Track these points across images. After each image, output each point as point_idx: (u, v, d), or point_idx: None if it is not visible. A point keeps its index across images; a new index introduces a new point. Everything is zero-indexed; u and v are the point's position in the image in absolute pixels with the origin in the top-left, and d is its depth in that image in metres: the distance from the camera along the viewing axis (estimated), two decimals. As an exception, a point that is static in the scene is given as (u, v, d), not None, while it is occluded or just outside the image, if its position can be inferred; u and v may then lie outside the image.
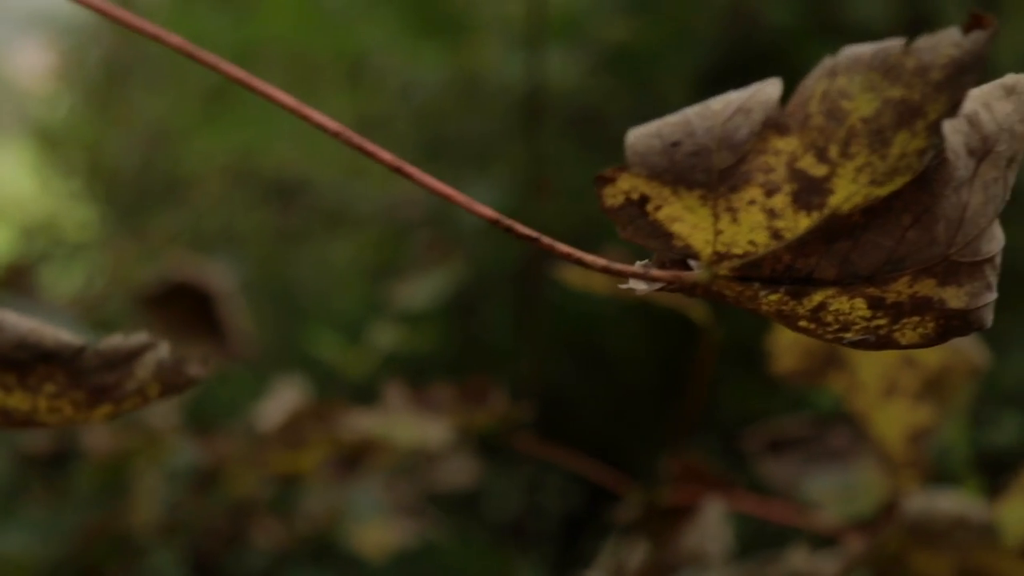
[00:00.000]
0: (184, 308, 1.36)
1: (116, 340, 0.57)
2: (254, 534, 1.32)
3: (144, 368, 0.58)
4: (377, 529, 1.31)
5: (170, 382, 0.58)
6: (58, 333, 0.56)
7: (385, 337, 1.37)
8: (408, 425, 0.85)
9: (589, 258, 0.47)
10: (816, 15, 2.70)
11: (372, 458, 1.38)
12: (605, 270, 0.49)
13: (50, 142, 4.42)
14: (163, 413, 1.48)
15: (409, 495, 1.36)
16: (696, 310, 0.82)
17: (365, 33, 3.20)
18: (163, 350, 0.58)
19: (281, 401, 1.30)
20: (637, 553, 0.90)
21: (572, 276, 0.86)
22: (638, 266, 0.50)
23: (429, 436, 0.84)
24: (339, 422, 0.85)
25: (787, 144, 0.48)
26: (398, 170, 0.45)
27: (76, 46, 4.51)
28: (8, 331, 0.56)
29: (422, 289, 1.39)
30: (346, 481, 1.42)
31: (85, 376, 0.57)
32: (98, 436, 1.26)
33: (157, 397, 0.59)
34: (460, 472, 1.34)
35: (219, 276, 1.38)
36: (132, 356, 0.57)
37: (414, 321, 1.52)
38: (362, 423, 0.84)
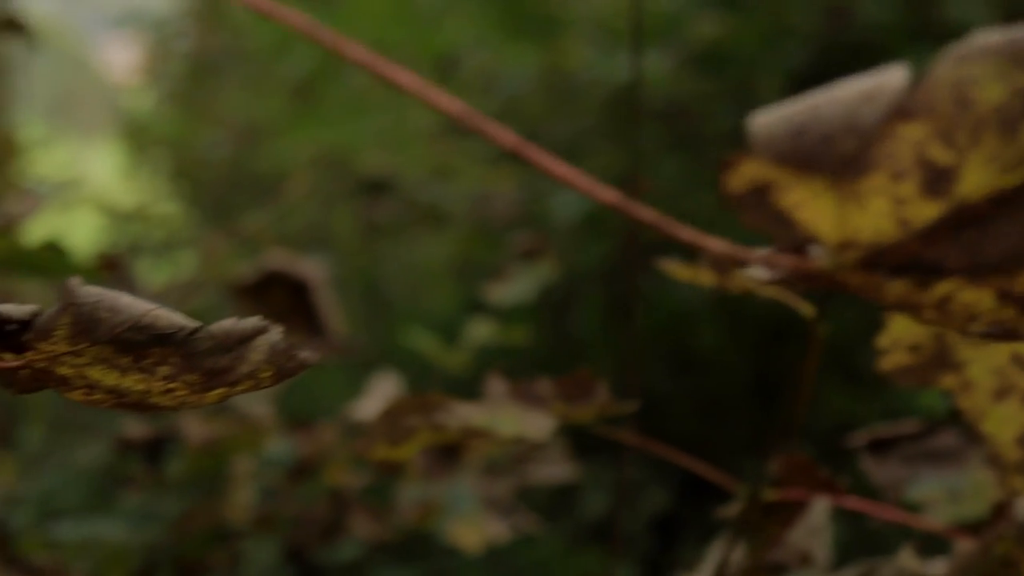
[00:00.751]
0: (279, 298, 1.36)
1: (229, 323, 0.57)
2: (349, 525, 1.33)
3: (257, 351, 0.57)
4: (473, 523, 1.30)
5: (283, 366, 0.58)
6: (172, 315, 0.56)
7: (480, 332, 1.36)
8: (511, 417, 0.85)
9: (714, 243, 0.46)
10: (912, 13, 2.66)
11: (467, 452, 1.38)
12: (729, 257, 0.48)
13: (137, 137, 4.47)
14: (259, 405, 1.49)
15: (503, 490, 1.35)
16: (802, 305, 0.81)
17: (454, 30, 3.21)
18: (275, 334, 0.58)
19: (379, 393, 1.30)
20: (741, 552, 0.89)
21: (678, 269, 0.85)
22: (763, 252, 0.49)
23: (532, 428, 0.83)
24: (442, 413, 0.84)
25: (914, 131, 0.46)
26: (519, 153, 0.45)
27: (163, 41, 4.57)
28: (123, 312, 0.56)
29: (516, 286, 1.38)
30: (441, 475, 1.42)
31: (199, 358, 0.57)
32: (196, 425, 1.27)
33: (269, 381, 0.59)
34: (556, 468, 1.33)
35: (313, 267, 1.39)
36: (245, 339, 0.57)
37: (506, 317, 1.52)
38: (466, 414, 0.84)
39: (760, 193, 0.46)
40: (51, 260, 1.24)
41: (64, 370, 0.56)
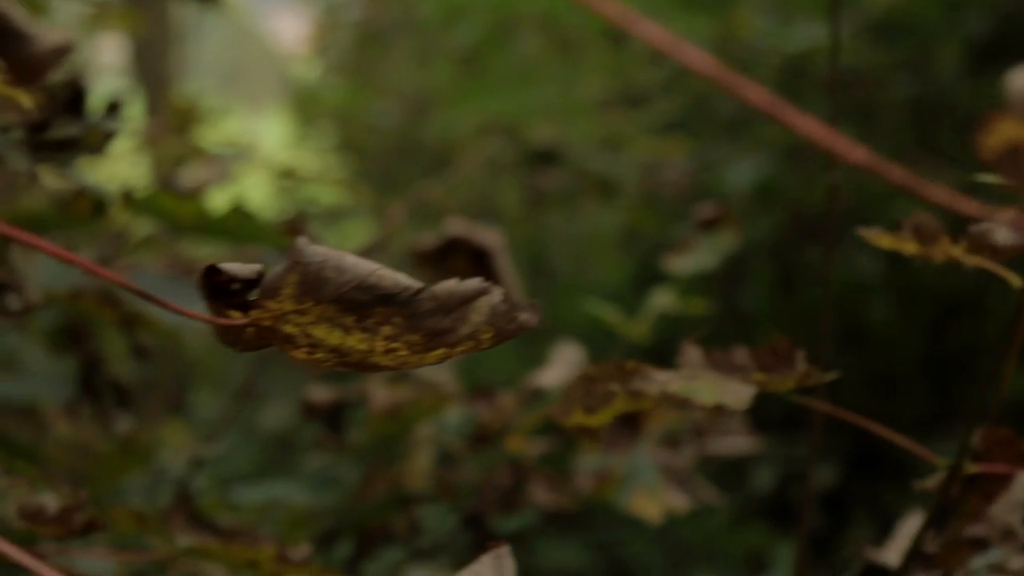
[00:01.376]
0: (460, 265, 1.36)
1: (452, 284, 0.57)
2: (530, 492, 1.33)
3: (478, 313, 0.57)
4: (653, 494, 1.30)
5: (503, 327, 0.58)
6: (396, 275, 0.57)
7: (661, 302, 1.35)
8: (709, 385, 0.84)
9: (966, 204, 0.45)
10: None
11: (647, 423, 1.38)
12: (970, 213, 0.47)
13: (305, 107, 4.53)
14: (439, 372, 1.50)
15: (683, 462, 1.34)
16: (1013, 278, 0.78)
17: (624, 2, 3.18)
18: (497, 295, 0.58)
19: (563, 361, 1.30)
20: (939, 526, 0.87)
21: (880, 238, 0.83)
22: (1009, 213, 0.47)
23: (731, 397, 0.82)
24: (640, 379, 0.84)
25: None
26: (770, 111, 0.43)
27: (331, 11, 4.61)
28: (349, 272, 0.56)
29: (697, 255, 1.37)
30: (619, 445, 1.41)
31: (421, 319, 0.57)
32: (380, 390, 1.28)
33: (489, 343, 0.58)
34: (738, 441, 1.32)
35: (493, 235, 1.39)
36: (467, 300, 0.57)
37: (682, 288, 1.50)
38: (664, 381, 0.83)
39: (1017, 153, 0.45)
40: (238, 224, 1.26)
41: (289, 328, 0.57)
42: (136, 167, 2.38)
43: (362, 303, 0.56)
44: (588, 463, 1.38)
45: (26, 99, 0.76)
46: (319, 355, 0.58)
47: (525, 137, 3.14)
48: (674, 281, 1.43)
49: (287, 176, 1.38)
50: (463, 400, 1.40)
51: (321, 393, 1.34)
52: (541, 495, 1.34)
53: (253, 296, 0.58)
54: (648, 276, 2.96)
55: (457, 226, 1.39)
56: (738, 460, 2.76)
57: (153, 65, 3.64)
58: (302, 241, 0.56)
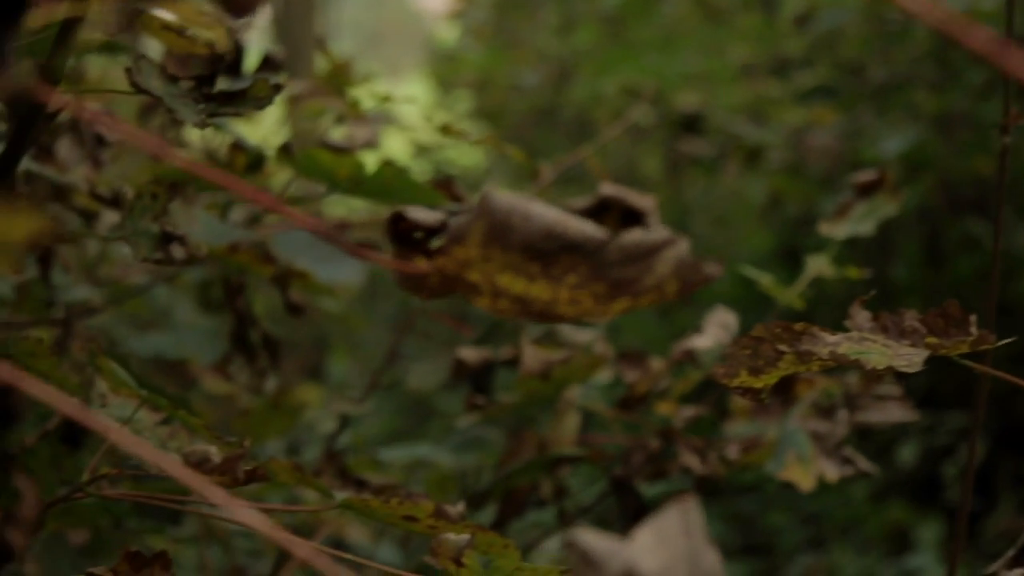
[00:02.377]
0: (613, 225, 1.35)
1: (639, 234, 0.56)
2: (678, 458, 1.31)
3: (664, 264, 0.56)
4: (805, 462, 1.28)
5: (688, 279, 0.57)
6: (583, 225, 0.56)
7: (817, 267, 1.33)
8: (880, 349, 0.81)
9: None
10: None
11: (801, 389, 1.35)
12: None
13: (444, 72, 4.54)
14: (583, 333, 1.49)
15: (836, 430, 1.32)
16: None
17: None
18: (683, 247, 0.57)
19: (716, 325, 1.28)
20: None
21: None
22: None
23: (903, 361, 0.80)
24: (810, 341, 0.82)
25: None
26: (994, 57, 0.42)
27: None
28: (536, 221, 0.55)
29: (854, 221, 1.34)
30: (769, 412, 1.39)
31: (606, 269, 0.56)
32: (532, 351, 1.27)
33: (674, 294, 0.57)
34: (895, 410, 1.29)
35: (644, 197, 1.37)
36: (653, 251, 0.56)
37: (830, 256, 1.47)
38: (834, 343, 0.81)
39: None
40: (394, 181, 1.26)
41: (474, 276, 0.56)
42: (275, 128, 2.40)
43: (548, 252, 0.55)
44: (738, 430, 1.37)
45: (221, 38, 0.76)
46: (502, 304, 0.57)
47: (668, 103, 3.11)
48: (826, 247, 1.40)
49: (444, 131, 1.37)
50: (612, 364, 1.39)
51: (472, 353, 1.34)
52: (689, 461, 1.33)
53: (438, 244, 0.57)
54: (789, 249, 2.92)
55: (609, 188, 1.37)
56: (879, 435, 2.71)
57: (296, 28, 3.67)
58: (491, 189, 0.55)
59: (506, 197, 0.56)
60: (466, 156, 4.10)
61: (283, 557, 1.50)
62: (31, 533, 0.53)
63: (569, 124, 3.63)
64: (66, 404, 0.85)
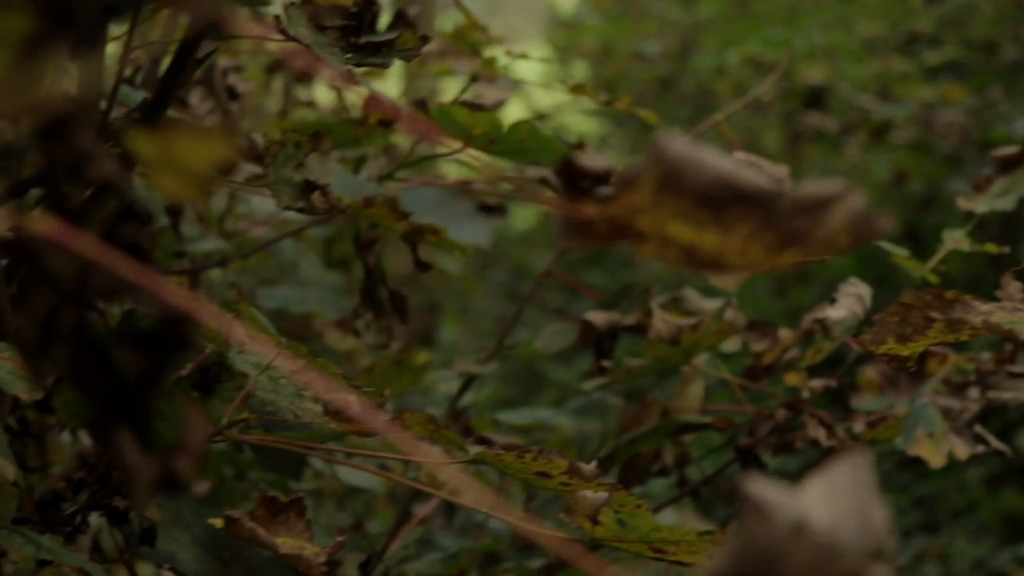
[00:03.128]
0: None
1: (813, 186, 0.55)
2: (804, 430, 1.30)
3: (837, 217, 0.55)
4: (936, 439, 1.26)
5: (861, 233, 0.56)
6: (756, 175, 0.55)
7: (955, 240, 1.30)
8: (1034, 319, 0.80)
9: None
10: None
11: (932, 364, 1.33)
12: None
13: (565, 39, 4.53)
14: (708, 301, 1.48)
15: (968, 408, 1.30)
16: None
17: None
18: (857, 201, 0.56)
19: (851, 296, 1.27)
20: None
21: None
22: None
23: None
24: (961, 309, 0.80)
25: None
26: None
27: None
28: (709, 169, 0.54)
29: (994, 197, 1.31)
30: (899, 388, 1.37)
31: (779, 220, 0.55)
32: (661, 316, 1.27)
33: (845, 247, 0.56)
34: (1030, 387, 1.27)
35: (778, 166, 1.36)
36: (827, 204, 0.55)
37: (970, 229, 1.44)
38: (987, 312, 0.80)
39: None
40: (529, 138, 1.26)
41: (643, 223, 0.55)
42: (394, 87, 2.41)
43: (720, 201, 0.55)
44: (867, 403, 1.35)
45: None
46: (670, 252, 0.57)
47: (792, 76, 3.08)
48: (961, 222, 1.37)
49: (575, 90, 1.37)
50: (740, 333, 1.38)
51: (600, 317, 1.34)
52: (816, 433, 1.31)
53: (607, 191, 0.57)
54: (911, 229, 2.88)
55: (742, 157, 1.36)
56: (998, 418, 2.67)
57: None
58: (664, 137, 0.55)
59: (679, 145, 0.55)
60: (582, 124, 4.09)
61: (404, 517, 1.51)
62: (199, 463, 0.53)
63: (689, 96, 3.61)
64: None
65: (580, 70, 4.50)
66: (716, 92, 3.37)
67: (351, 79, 0.91)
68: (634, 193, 0.55)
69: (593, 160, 0.57)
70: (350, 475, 1.63)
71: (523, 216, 4.23)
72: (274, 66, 2.13)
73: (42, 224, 0.48)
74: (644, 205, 0.55)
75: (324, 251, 1.84)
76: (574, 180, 0.57)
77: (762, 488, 0.49)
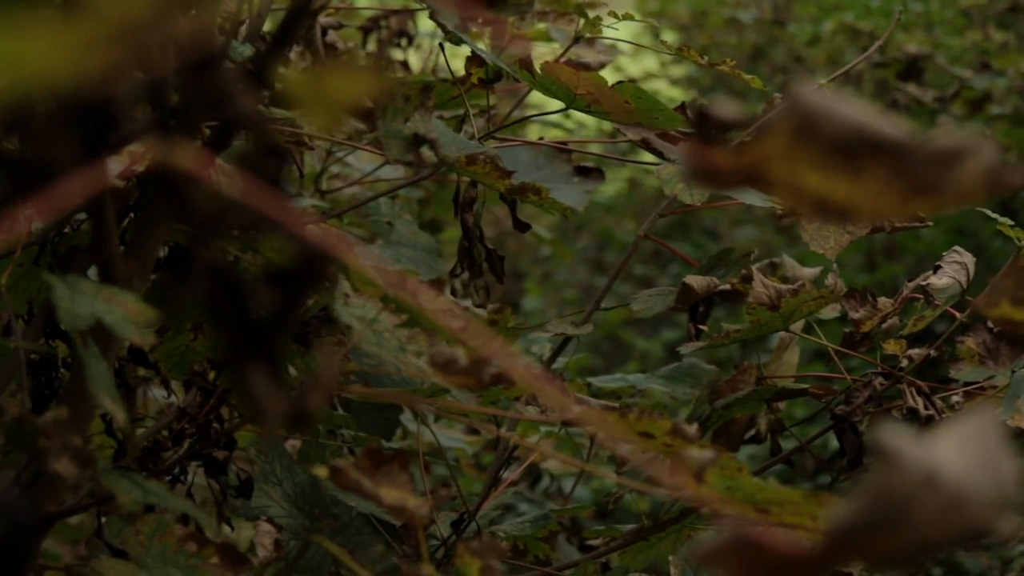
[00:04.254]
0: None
1: (946, 138, 0.55)
2: (904, 399, 1.29)
3: (970, 168, 0.55)
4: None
5: (993, 184, 0.55)
6: (888, 126, 0.55)
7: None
8: None
9: None
10: None
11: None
12: None
13: (657, 7, 4.51)
14: (807, 268, 1.47)
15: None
16: None
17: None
18: (992, 153, 0.55)
19: (956, 263, 1.26)
20: None
21: None
22: None
23: None
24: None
25: None
26: None
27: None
28: (843, 118, 0.54)
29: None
30: (1002, 358, 1.36)
31: (912, 170, 0.55)
32: (760, 278, 1.26)
33: (978, 198, 0.56)
34: None
35: (898, 122, 1.34)
36: (961, 155, 0.55)
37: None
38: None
39: None
40: (635, 99, 1.26)
41: (775, 170, 0.55)
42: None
43: (854, 150, 0.54)
44: (966, 374, 1.34)
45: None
46: (801, 201, 0.57)
47: (888, 46, 3.04)
48: None
49: (679, 52, 1.36)
50: (840, 301, 1.37)
51: (699, 281, 1.33)
52: (914, 403, 1.30)
53: (741, 138, 0.57)
54: (1005, 204, 2.84)
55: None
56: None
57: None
58: (799, 86, 0.54)
59: (814, 93, 0.55)
60: (669, 92, 4.07)
61: (494, 480, 1.52)
62: (327, 399, 0.54)
63: (781, 65, 3.58)
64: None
65: (670, 38, 4.48)
66: (810, 61, 3.34)
67: (497, 23, 0.91)
68: (768, 141, 0.55)
69: (726, 108, 0.57)
70: (440, 437, 1.64)
71: (609, 185, 4.22)
72: (369, 27, 2.14)
73: (185, 158, 0.49)
74: (777, 153, 0.55)
75: (418, 213, 1.85)
76: (707, 127, 0.57)
77: (895, 437, 0.49)
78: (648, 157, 1.35)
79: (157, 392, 1.63)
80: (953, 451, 0.50)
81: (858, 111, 0.55)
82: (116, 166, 0.78)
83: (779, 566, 0.51)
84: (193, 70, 0.51)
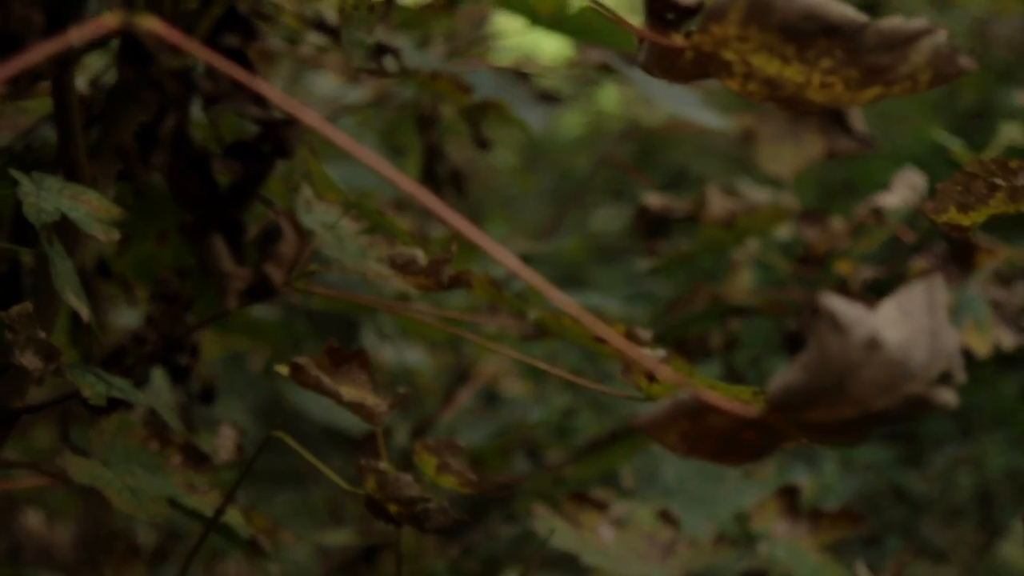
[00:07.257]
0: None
1: (897, 21, 0.56)
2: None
3: (920, 53, 0.56)
4: (982, 329, 1.27)
5: (942, 70, 0.57)
6: (844, 8, 0.56)
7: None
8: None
9: None
10: None
11: (981, 258, 1.34)
12: None
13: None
14: (761, 191, 1.49)
15: (1016, 299, 1.31)
16: None
17: None
18: (941, 37, 0.57)
19: (906, 184, 1.28)
20: None
21: None
22: None
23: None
24: (1022, 178, 0.81)
25: None
26: None
27: None
28: (797, 2, 0.56)
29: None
30: (949, 280, 1.38)
31: (862, 55, 0.56)
32: (718, 198, 1.28)
33: (927, 84, 0.58)
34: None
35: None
36: (910, 39, 0.56)
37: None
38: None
39: None
40: (594, 21, 1.27)
41: (728, 55, 0.57)
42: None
43: (805, 33, 0.56)
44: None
45: None
46: (752, 86, 0.58)
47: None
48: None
49: None
50: (793, 222, 1.39)
51: (655, 200, 1.35)
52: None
53: (693, 25, 0.58)
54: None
55: None
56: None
57: None
58: (754, -36, 0.56)
59: (768, -24, 0.56)
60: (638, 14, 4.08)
61: (450, 395, 1.54)
62: (288, 271, 0.55)
63: None
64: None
65: None
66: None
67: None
68: (721, 25, 0.56)
69: (679, -7, 0.58)
70: (401, 354, 1.65)
71: (569, 123, 4.23)
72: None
73: (151, 24, 0.49)
74: (730, 37, 0.56)
75: (381, 141, 1.86)
76: (662, 12, 0.58)
77: (838, 304, 0.51)
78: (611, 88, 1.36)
79: (125, 315, 1.63)
80: (897, 319, 0.51)
81: (810, -5, 0.56)
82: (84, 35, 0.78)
83: (723, 429, 0.53)
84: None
